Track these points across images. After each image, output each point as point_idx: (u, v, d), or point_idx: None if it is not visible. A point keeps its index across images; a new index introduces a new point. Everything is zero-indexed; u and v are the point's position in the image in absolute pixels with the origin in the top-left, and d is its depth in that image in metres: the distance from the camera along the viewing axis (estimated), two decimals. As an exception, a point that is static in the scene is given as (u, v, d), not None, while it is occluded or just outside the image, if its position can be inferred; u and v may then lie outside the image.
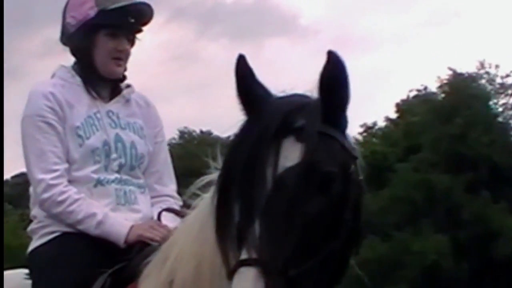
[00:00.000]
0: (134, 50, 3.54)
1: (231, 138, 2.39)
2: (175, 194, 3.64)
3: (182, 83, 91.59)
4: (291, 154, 2.23)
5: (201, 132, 52.91)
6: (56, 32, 3.62)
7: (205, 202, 2.71)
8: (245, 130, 2.34)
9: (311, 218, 2.18)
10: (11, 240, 27.74)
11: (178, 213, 3.35)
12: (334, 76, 2.30)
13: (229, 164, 2.32)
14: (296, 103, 2.35)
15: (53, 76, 3.57)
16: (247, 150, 2.25)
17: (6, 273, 3.69)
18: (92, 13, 3.47)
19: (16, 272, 3.61)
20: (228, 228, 2.25)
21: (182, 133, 52.93)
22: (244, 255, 2.13)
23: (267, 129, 2.25)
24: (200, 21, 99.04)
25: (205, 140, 46.24)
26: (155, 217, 3.42)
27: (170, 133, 51.21)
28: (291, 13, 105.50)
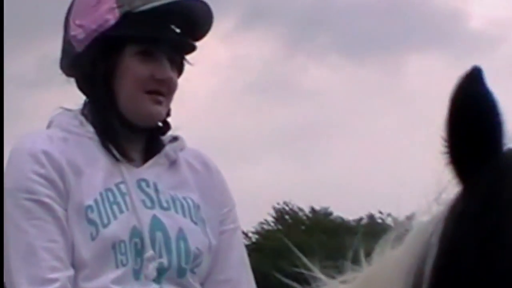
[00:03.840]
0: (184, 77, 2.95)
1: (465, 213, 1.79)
2: None
3: (270, 130, 64.93)
4: None
5: (313, 210, 46.44)
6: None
7: None
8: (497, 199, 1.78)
9: None
10: None
11: None
12: None
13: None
14: None
15: (49, 125, 2.99)
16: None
17: None
18: (113, 18, 2.84)
19: None
20: None
21: (279, 213, 45.20)
22: None
23: None
24: (293, 28, 70.50)
25: (321, 224, 40.83)
26: None
27: (259, 213, 43.55)
28: (451, 12, 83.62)
